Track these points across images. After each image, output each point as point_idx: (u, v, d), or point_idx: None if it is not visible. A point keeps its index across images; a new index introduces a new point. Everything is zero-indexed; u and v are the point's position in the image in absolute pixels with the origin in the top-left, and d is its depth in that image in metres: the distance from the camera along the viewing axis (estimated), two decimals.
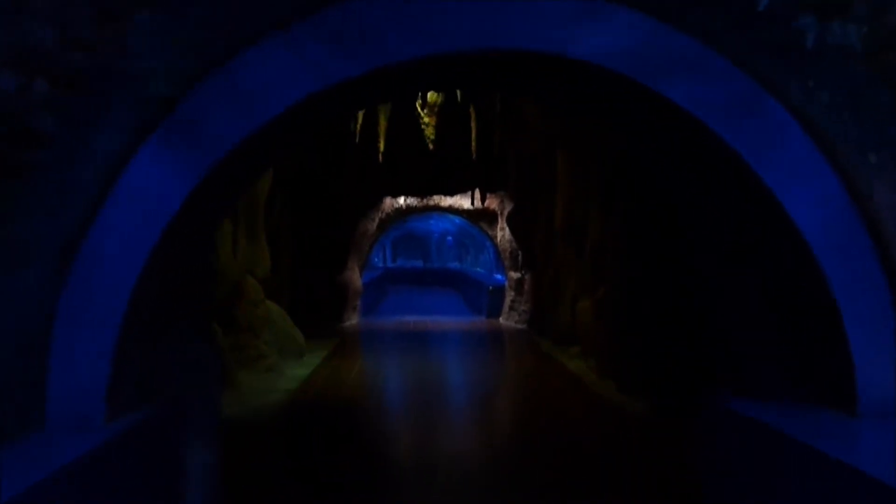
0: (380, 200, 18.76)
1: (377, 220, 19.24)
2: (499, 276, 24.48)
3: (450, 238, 39.60)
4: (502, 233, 19.39)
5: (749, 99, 3.99)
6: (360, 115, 12.54)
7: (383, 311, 22.96)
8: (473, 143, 13.22)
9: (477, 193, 18.00)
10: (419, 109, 13.04)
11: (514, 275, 18.92)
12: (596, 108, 5.64)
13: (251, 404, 9.01)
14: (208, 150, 4.06)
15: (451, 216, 23.58)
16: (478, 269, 33.03)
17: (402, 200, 19.45)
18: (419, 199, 19.44)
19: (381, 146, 12.96)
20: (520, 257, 18.68)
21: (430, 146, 13.44)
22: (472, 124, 13.07)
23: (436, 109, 13.04)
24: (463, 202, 19.44)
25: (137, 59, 3.97)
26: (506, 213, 18.68)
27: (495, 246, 20.44)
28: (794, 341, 4.42)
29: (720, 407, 4.64)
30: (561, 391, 9.85)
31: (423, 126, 13.15)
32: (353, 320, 18.92)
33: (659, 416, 7.92)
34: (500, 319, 19.47)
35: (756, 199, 4.20)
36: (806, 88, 3.97)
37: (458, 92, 12.22)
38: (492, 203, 19.25)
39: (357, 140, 12.82)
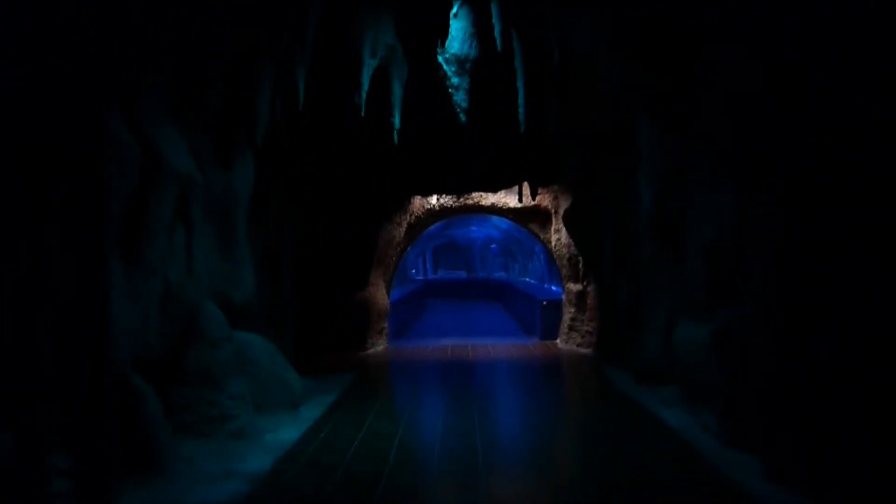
0: (406, 201, 15.38)
1: (405, 225, 15.84)
2: (555, 288, 20.92)
3: (494, 246, 36.16)
4: (557, 235, 15.80)
5: None
6: (365, 80, 9.20)
7: (420, 332, 19.59)
8: (521, 114, 9.69)
9: (526, 188, 14.43)
10: (444, 66, 9.49)
11: (574, 286, 15.33)
12: None
13: None
14: None
15: (495, 218, 20.10)
16: (527, 279, 29.46)
17: (434, 200, 16.00)
18: (454, 199, 15.99)
19: (396, 121, 9.58)
20: (580, 264, 15.09)
21: (462, 117, 9.94)
22: (519, 85, 9.53)
23: (467, 66, 9.55)
24: (508, 200, 15.91)
25: None
26: (561, 210, 15.11)
27: (549, 251, 16.85)
28: None
29: None
30: (669, 473, 6.30)
31: (450, 89, 9.67)
32: (379, 346, 15.55)
33: None
34: (559, 342, 15.87)
35: None
36: None
37: (498, 37, 8.78)
38: (543, 199, 15.69)
39: (363, 114, 9.43)
